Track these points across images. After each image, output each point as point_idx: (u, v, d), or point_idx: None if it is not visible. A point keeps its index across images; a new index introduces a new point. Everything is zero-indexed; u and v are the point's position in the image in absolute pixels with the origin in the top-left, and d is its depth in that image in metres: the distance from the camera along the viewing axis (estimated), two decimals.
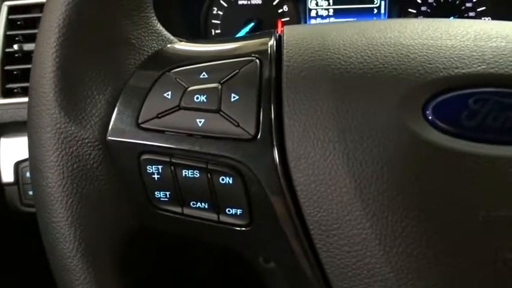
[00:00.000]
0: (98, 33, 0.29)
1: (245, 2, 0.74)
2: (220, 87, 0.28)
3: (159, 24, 0.32)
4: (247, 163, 0.27)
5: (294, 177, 0.26)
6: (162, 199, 0.29)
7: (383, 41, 0.28)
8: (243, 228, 0.28)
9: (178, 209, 0.29)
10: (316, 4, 0.74)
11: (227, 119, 0.27)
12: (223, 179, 0.27)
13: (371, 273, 0.26)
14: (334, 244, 0.26)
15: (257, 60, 0.29)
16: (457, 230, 0.26)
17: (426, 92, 0.26)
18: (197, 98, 0.28)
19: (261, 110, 0.27)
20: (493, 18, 0.72)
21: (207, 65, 0.29)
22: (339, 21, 0.31)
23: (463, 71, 0.26)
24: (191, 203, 0.28)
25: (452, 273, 0.25)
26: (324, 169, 0.26)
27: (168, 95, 0.28)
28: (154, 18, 0.32)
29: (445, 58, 0.27)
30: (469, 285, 0.25)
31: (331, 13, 0.74)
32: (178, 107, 0.28)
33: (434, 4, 0.72)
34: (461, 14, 0.72)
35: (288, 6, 0.73)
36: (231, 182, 0.27)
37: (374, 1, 0.73)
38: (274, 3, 0.73)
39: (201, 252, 0.40)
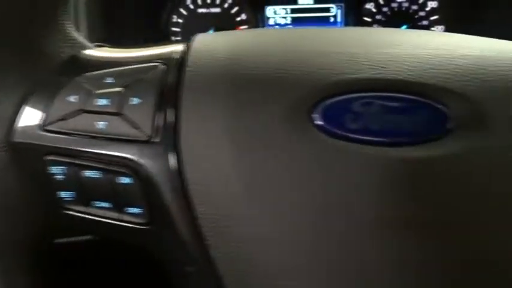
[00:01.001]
0: (8, 37, 0.30)
1: (204, 10, 0.75)
2: (123, 91, 0.29)
3: (74, 31, 0.33)
4: (143, 164, 0.28)
5: (188, 178, 0.27)
6: (67, 199, 0.30)
7: (285, 48, 0.30)
8: (144, 227, 0.29)
9: (82, 209, 0.30)
10: (274, 13, 0.75)
11: (127, 122, 0.29)
12: (122, 180, 0.28)
13: (263, 271, 0.27)
14: (226, 242, 0.27)
15: (163, 66, 0.30)
16: (343, 232, 0.27)
17: (313, 97, 0.27)
18: (100, 101, 0.29)
19: (160, 113, 0.28)
20: (445, 27, 0.74)
21: (113, 71, 0.30)
22: (257, 29, 0.32)
23: (349, 76, 0.28)
24: (95, 203, 0.29)
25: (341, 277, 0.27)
26: (216, 171, 0.27)
27: (73, 98, 0.29)
28: (70, 24, 0.33)
29: (336, 64, 0.28)
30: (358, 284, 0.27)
31: (289, 21, 0.76)
32: (82, 110, 0.29)
33: (389, 13, 0.74)
34: (414, 22, 0.74)
35: (246, 15, 0.75)
36: (130, 182, 0.28)
37: (330, 10, 0.75)
38: (233, 11, 0.75)
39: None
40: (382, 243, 0.27)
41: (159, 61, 0.30)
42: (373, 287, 0.27)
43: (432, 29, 0.74)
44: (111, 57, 0.32)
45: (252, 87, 0.28)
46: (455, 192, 0.27)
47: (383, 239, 0.27)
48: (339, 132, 0.27)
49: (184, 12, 0.75)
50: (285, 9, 0.75)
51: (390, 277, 0.27)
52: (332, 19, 0.75)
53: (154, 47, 0.33)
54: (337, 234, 0.27)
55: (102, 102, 0.29)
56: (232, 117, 0.28)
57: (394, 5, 0.74)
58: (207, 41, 0.31)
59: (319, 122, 0.27)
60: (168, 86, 0.29)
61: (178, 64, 0.30)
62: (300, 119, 0.27)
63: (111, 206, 0.29)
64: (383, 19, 0.74)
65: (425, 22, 0.74)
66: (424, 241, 0.27)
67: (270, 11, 0.75)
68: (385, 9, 0.74)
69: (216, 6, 0.75)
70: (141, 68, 0.30)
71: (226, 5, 0.75)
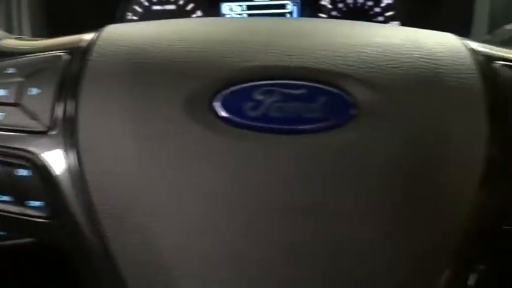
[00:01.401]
0: None
1: (159, 8, 0.75)
2: (22, 81, 0.28)
3: None
4: (41, 156, 0.27)
5: (86, 170, 0.27)
6: None
7: (192, 37, 0.29)
8: (46, 221, 0.28)
9: None
10: (230, 9, 0.75)
11: (26, 113, 0.28)
12: (20, 172, 0.28)
13: (163, 260, 0.27)
14: (126, 234, 0.27)
15: (67, 55, 0.29)
16: (243, 220, 0.26)
17: (214, 85, 0.27)
18: None
19: (59, 103, 0.27)
20: (401, 23, 0.74)
21: (16, 61, 0.30)
22: (171, 20, 0.32)
23: (251, 64, 0.27)
24: None
25: (234, 264, 0.26)
26: (116, 163, 0.27)
27: None
28: None
29: (239, 52, 0.28)
30: (244, 267, 0.26)
31: None
32: None
33: (344, 9, 0.74)
34: (370, 18, 0.74)
35: (202, 12, 0.74)
36: (28, 174, 0.28)
37: (286, 7, 0.75)
38: (188, 8, 0.74)
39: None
40: (280, 229, 0.26)
41: (65, 50, 0.30)
42: (275, 272, 0.27)
43: (388, 24, 0.74)
44: (17, 48, 0.32)
45: (154, 77, 0.28)
46: (358, 178, 0.26)
47: (283, 225, 0.26)
48: (239, 120, 0.27)
49: (138, 9, 0.74)
50: (240, 5, 0.75)
51: (292, 262, 0.26)
52: (288, 15, 0.75)
53: (58, 38, 0.32)
54: (236, 222, 0.26)
55: (1, 93, 0.28)
56: (133, 107, 0.27)
57: (349, 1, 0.73)
58: (115, 31, 0.31)
59: (220, 111, 0.27)
60: (70, 76, 0.28)
61: (82, 53, 0.29)
62: (200, 108, 0.27)
63: (11, 199, 0.28)
64: (339, 15, 0.74)
65: (380, 18, 0.74)
66: (327, 227, 0.26)
67: (225, 7, 0.75)
68: (340, 5, 0.74)
69: (171, 3, 0.74)
70: (44, 57, 0.30)
71: (181, 2, 0.74)
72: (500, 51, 0.31)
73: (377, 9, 0.74)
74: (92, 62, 0.28)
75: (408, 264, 0.27)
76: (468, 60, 0.29)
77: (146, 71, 0.28)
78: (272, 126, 0.26)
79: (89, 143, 0.27)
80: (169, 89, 0.27)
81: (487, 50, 0.31)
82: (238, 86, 0.27)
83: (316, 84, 0.27)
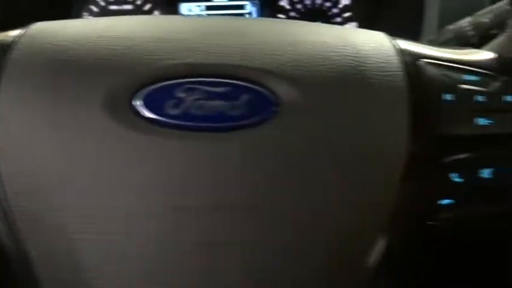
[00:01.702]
0: None
1: (116, 7, 0.74)
2: None
3: None
4: None
5: (2, 170, 0.26)
6: None
7: (117, 35, 0.29)
8: None
9: None
10: (189, 10, 0.74)
11: None
12: None
13: (77, 260, 0.26)
14: (40, 234, 0.26)
15: None
16: (166, 218, 0.26)
17: (135, 83, 0.27)
18: None
19: None
20: (359, 23, 0.74)
21: None
22: (102, 18, 0.31)
23: (172, 62, 0.27)
24: None
25: (152, 264, 0.26)
26: (33, 162, 0.26)
27: None
28: None
29: (162, 50, 0.27)
30: (160, 269, 0.26)
31: None
32: None
33: (303, 10, 0.74)
34: (328, 19, 0.74)
35: (159, 12, 0.74)
36: None
37: (245, 7, 0.74)
38: (146, 8, 0.73)
39: None
40: (200, 228, 0.26)
41: None
42: (194, 272, 0.26)
43: (346, 25, 0.74)
44: None
45: (75, 76, 0.27)
46: (280, 174, 0.26)
47: (203, 224, 0.26)
48: (160, 118, 0.26)
49: (95, 9, 0.73)
50: (199, 6, 0.75)
51: (202, 259, 0.26)
52: (247, 16, 0.75)
53: None
54: (155, 221, 0.26)
55: None
56: (53, 106, 0.26)
57: (307, 2, 0.74)
58: (42, 28, 0.30)
59: (141, 109, 0.26)
60: None
61: (4, 50, 0.28)
62: (121, 106, 0.26)
63: None
64: (297, 16, 0.75)
65: (338, 19, 0.74)
66: (247, 224, 0.26)
67: (184, 8, 0.74)
68: (299, 6, 0.74)
69: (128, 3, 0.73)
70: None
71: (139, 2, 0.73)
72: (427, 50, 0.31)
73: (335, 11, 0.75)
74: (13, 59, 0.28)
75: (331, 259, 0.27)
76: (394, 58, 0.29)
77: (68, 69, 0.27)
78: (193, 124, 0.26)
79: (6, 142, 0.26)
80: (89, 87, 0.27)
81: (414, 49, 0.31)
82: (159, 84, 0.27)
83: (239, 82, 0.27)
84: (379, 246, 0.28)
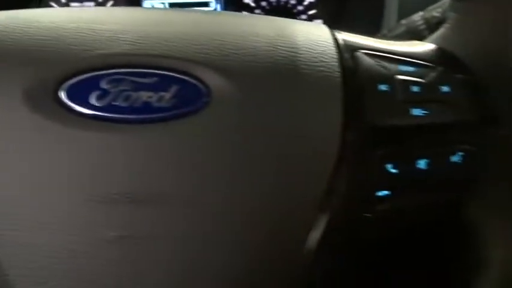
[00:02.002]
0: None
1: (77, 4, 0.72)
2: None
3: None
4: None
5: None
6: None
7: (51, 25, 0.28)
8: None
9: None
10: (152, 7, 0.73)
11: None
12: None
13: None
14: None
15: None
16: (90, 211, 0.25)
17: (60, 74, 0.26)
18: None
19: None
20: (324, 21, 0.74)
21: None
22: (42, 9, 0.30)
23: (99, 52, 0.26)
24: None
25: (64, 254, 0.25)
26: None
27: None
28: None
29: (89, 41, 0.27)
30: (79, 265, 0.25)
31: None
32: None
33: (268, 7, 0.74)
34: (293, 16, 0.74)
35: None
36: None
37: (209, 4, 0.74)
38: (108, 5, 0.72)
39: None
40: (125, 219, 0.25)
41: None
42: (114, 268, 0.26)
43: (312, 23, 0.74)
44: None
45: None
46: (209, 166, 0.26)
47: (126, 217, 0.25)
48: (85, 110, 0.25)
49: (55, 6, 0.72)
50: (163, 3, 0.74)
51: (126, 253, 0.25)
52: None
53: None
54: (77, 214, 0.25)
55: None
56: None
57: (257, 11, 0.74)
58: None
59: (65, 100, 0.25)
60: None
61: None
62: (45, 97, 0.25)
63: None
64: (262, 13, 0.74)
65: (304, 16, 0.74)
66: (176, 216, 0.26)
67: (147, 5, 0.73)
68: (263, 3, 0.74)
69: (90, 0, 0.72)
70: None
71: (100, 0, 0.72)
72: (367, 41, 0.31)
73: (300, 8, 0.75)
74: None
75: (263, 251, 0.27)
76: (330, 50, 0.29)
77: None
78: (118, 116, 0.25)
79: None
80: (12, 78, 0.26)
81: (354, 40, 0.31)
82: (85, 75, 0.26)
83: (168, 73, 0.26)
84: (315, 237, 0.28)
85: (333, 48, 0.29)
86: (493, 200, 0.30)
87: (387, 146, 0.28)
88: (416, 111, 0.28)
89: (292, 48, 0.28)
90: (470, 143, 0.29)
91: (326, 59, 0.28)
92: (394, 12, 0.57)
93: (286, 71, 0.27)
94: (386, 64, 0.29)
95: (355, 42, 0.30)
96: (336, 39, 0.30)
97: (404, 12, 0.58)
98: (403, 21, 0.47)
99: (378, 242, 0.32)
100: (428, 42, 0.33)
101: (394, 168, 0.28)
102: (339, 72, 0.28)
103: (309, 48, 0.29)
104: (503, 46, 0.30)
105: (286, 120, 0.27)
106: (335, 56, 0.29)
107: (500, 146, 0.29)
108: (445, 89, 0.29)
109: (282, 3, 0.74)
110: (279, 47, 0.28)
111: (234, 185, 0.26)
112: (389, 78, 0.29)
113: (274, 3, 0.74)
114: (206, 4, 0.74)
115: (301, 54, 0.28)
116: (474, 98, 0.30)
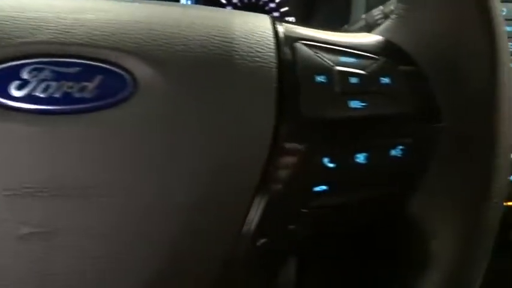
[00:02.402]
0: None
1: None
2: None
3: None
4: None
5: None
6: None
7: None
8: None
9: None
10: None
11: None
12: None
13: None
14: None
15: None
16: (8, 204, 0.24)
17: None
18: None
19: None
20: (296, 18, 0.74)
21: None
22: None
23: (20, 40, 0.25)
24: None
25: None
26: None
27: None
28: None
29: (10, 29, 0.26)
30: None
31: None
32: None
33: (239, 4, 0.73)
34: (265, 14, 0.73)
35: None
36: None
37: (180, 1, 0.73)
38: None
39: None
40: (39, 213, 0.24)
41: None
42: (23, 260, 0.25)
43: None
44: None
45: None
46: (132, 157, 0.25)
47: (49, 211, 0.24)
48: (3, 101, 0.24)
49: None
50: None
51: (40, 248, 0.24)
52: None
53: None
54: None
55: None
56: None
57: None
58: None
59: None
60: None
61: None
62: None
63: None
64: (233, 10, 0.73)
65: (276, 14, 0.74)
66: (95, 210, 0.25)
67: None
68: (235, 0, 0.73)
69: None
70: None
71: None
72: (310, 32, 0.30)
73: (272, 5, 0.74)
74: None
75: (195, 238, 0.26)
76: (269, 40, 0.28)
77: None
78: (38, 107, 0.24)
79: None
80: None
81: (296, 31, 0.30)
82: (5, 65, 0.25)
83: (92, 62, 0.25)
84: (250, 234, 0.27)
85: (271, 39, 0.28)
86: (439, 193, 0.29)
87: (324, 139, 0.27)
88: (355, 103, 0.28)
89: (228, 38, 0.27)
90: (410, 136, 0.28)
91: (262, 49, 0.28)
92: (362, 7, 0.57)
93: (219, 61, 0.26)
94: (325, 55, 0.29)
95: (297, 33, 0.30)
96: (276, 31, 0.29)
97: (372, 7, 0.58)
98: (364, 16, 0.47)
99: (318, 240, 0.31)
100: (375, 33, 0.33)
101: (331, 162, 0.27)
102: (274, 63, 0.27)
103: (246, 39, 0.28)
104: (448, 37, 0.30)
105: (218, 110, 0.26)
106: (272, 47, 0.28)
107: (443, 139, 0.28)
108: (385, 80, 0.28)
109: (254, 0, 0.74)
110: (213, 37, 0.27)
111: (158, 178, 0.25)
112: (327, 70, 0.28)
113: (246, 0, 0.73)
114: (177, 0, 0.73)
115: (236, 44, 0.27)
116: (416, 90, 0.29)
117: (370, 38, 0.32)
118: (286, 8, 0.73)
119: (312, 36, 0.30)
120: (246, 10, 0.73)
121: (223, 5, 0.72)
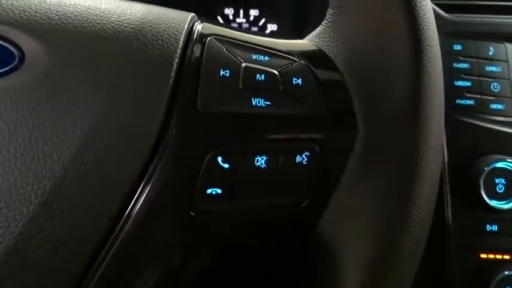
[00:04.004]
0: None
1: None
2: None
3: None
4: None
5: None
6: None
7: None
8: None
9: None
10: None
11: None
12: None
13: None
14: None
15: None
16: None
17: None
18: None
19: None
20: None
21: None
22: None
23: None
24: None
25: None
26: None
27: None
28: None
29: None
30: None
31: None
32: None
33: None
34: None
35: None
36: None
37: None
38: None
39: None
40: None
41: None
42: None
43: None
44: None
45: None
46: (12, 134, 0.23)
47: None
48: None
49: None
50: None
51: None
52: None
53: None
54: None
55: None
56: None
57: (233, 25, 0.73)
58: None
59: None
60: None
61: None
62: None
63: None
64: None
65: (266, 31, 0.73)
66: None
67: None
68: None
69: None
70: None
71: None
72: (225, 31, 0.29)
73: (260, 23, 0.73)
74: None
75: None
76: (177, 36, 0.26)
77: None
78: None
79: None
80: None
81: (212, 28, 0.28)
82: None
83: None
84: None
85: (180, 35, 0.27)
86: (349, 213, 0.26)
87: (219, 136, 0.25)
88: (258, 101, 0.26)
89: (132, 25, 0.26)
90: (318, 143, 0.26)
91: (167, 42, 0.26)
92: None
93: (114, 47, 0.25)
94: (238, 52, 0.27)
95: (213, 30, 0.28)
96: (191, 27, 0.28)
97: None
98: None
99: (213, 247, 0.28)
100: (307, 39, 0.31)
101: (225, 162, 0.25)
102: (176, 57, 0.25)
103: (153, 30, 0.26)
104: (372, 46, 0.28)
105: (109, 92, 0.24)
106: (178, 41, 0.26)
107: (355, 148, 0.26)
108: (296, 82, 0.26)
109: (244, 29, 0.72)
110: (116, 24, 0.26)
111: (41, 152, 0.23)
112: (233, 65, 0.26)
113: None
114: None
115: (138, 31, 0.26)
116: (330, 94, 0.27)
117: (296, 42, 0.30)
118: (275, 25, 0.72)
119: (228, 34, 0.28)
120: None
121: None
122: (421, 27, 0.26)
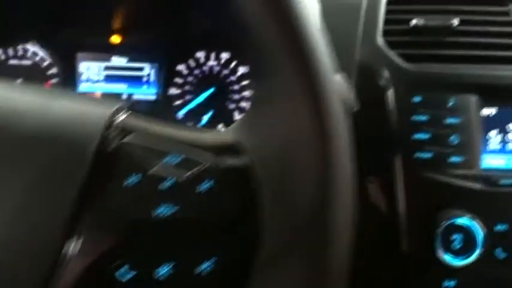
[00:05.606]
0: None
1: (16, 62, 0.74)
2: None
3: None
4: None
5: None
6: None
7: None
8: None
9: None
10: (88, 69, 0.74)
11: None
12: None
13: None
14: None
15: None
16: None
17: None
18: None
19: None
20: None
21: None
22: None
23: None
24: None
25: None
26: None
27: None
28: None
29: None
30: None
31: (101, 78, 0.75)
32: None
33: (200, 75, 0.74)
34: (226, 86, 0.73)
35: (57, 69, 0.74)
36: None
37: (144, 69, 0.74)
38: (43, 65, 0.74)
39: None
40: None
41: None
42: None
43: (244, 93, 0.74)
44: None
45: None
46: None
47: None
48: None
49: None
50: (98, 66, 0.75)
51: None
52: (145, 78, 0.75)
53: None
54: None
55: None
56: None
57: (205, 68, 0.74)
58: None
59: None
60: None
61: None
62: None
63: None
64: (194, 81, 0.74)
65: (236, 87, 0.74)
66: None
67: (83, 66, 0.75)
68: (196, 71, 0.74)
69: (27, 58, 0.74)
70: None
71: (37, 58, 0.74)
72: (146, 127, 0.29)
73: (232, 78, 0.74)
74: None
75: None
76: (94, 133, 0.27)
77: None
78: None
79: None
80: None
81: (131, 124, 0.29)
82: None
83: None
84: None
85: (97, 132, 0.27)
86: None
87: (121, 247, 0.25)
88: (164, 209, 0.26)
89: (49, 120, 0.26)
90: (221, 249, 0.26)
91: (82, 139, 0.27)
92: None
93: (29, 139, 0.26)
94: (148, 155, 0.27)
95: (133, 127, 0.29)
96: (110, 123, 0.28)
97: None
98: None
99: None
100: (227, 131, 0.31)
101: (129, 274, 0.25)
102: (89, 156, 0.26)
103: (72, 126, 0.27)
104: (283, 147, 0.28)
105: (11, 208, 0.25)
106: (94, 139, 0.27)
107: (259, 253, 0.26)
108: (203, 187, 0.27)
109: (215, 72, 0.74)
110: (31, 117, 0.26)
111: None
112: (142, 170, 0.27)
113: (206, 72, 0.74)
114: (140, 69, 0.74)
115: (58, 127, 0.26)
116: (234, 200, 0.27)
117: (215, 137, 0.30)
118: (247, 82, 0.73)
119: (147, 130, 0.29)
120: (207, 81, 0.74)
121: (184, 76, 0.73)
122: (330, 142, 0.26)
